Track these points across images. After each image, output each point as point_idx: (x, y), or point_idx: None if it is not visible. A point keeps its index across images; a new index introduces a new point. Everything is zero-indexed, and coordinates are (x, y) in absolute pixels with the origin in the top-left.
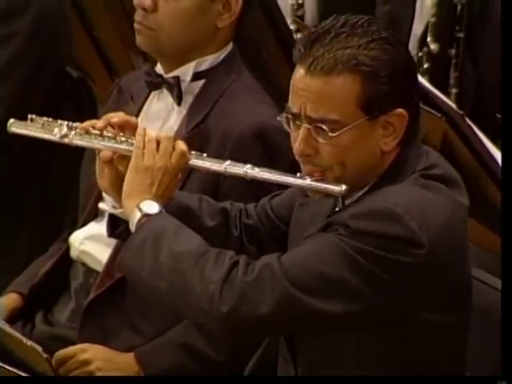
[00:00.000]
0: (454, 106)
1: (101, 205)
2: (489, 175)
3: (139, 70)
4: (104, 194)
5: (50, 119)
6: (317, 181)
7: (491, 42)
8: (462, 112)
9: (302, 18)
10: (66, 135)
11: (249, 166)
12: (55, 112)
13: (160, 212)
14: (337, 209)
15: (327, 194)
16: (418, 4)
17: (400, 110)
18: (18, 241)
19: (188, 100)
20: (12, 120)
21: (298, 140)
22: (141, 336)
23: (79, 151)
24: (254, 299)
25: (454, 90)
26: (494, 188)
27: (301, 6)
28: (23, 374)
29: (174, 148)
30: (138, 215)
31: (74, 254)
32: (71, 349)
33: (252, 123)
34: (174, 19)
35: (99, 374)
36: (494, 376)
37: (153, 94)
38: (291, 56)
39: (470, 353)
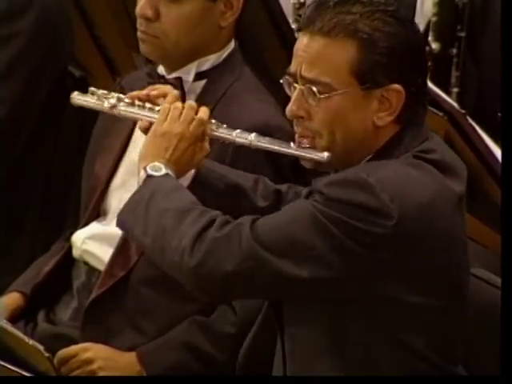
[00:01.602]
0: (455, 105)
1: None
2: (490, 174)
3: (141, 70)
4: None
5: (106, 91)
6: (304, 148)
7: (492, 41)
8: (463, 111)
9: None
10: (114, 106)
11: (253, 134)
12: (57, 111)
13: (165, 174)
14: None
15: (316, 163)
16: (418, 3)
17: (397, 86)
18: (19, 240)
19: (190, 100)
20: (76, 92)
21: (291, 100)
22: (143, 335)
23: (80, 150)
24: (220, 255)
25: (455, 90)
26: (496, 187)
27: (302, 5)
28: (25, 374)
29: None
30: (143, 176)
31: (76, 253)
32: (73, 348)
33: (254, 122)
34: (178, 25)
35: (101, 373)
36: (494, 376)
37: None
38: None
39: (470, 352)
